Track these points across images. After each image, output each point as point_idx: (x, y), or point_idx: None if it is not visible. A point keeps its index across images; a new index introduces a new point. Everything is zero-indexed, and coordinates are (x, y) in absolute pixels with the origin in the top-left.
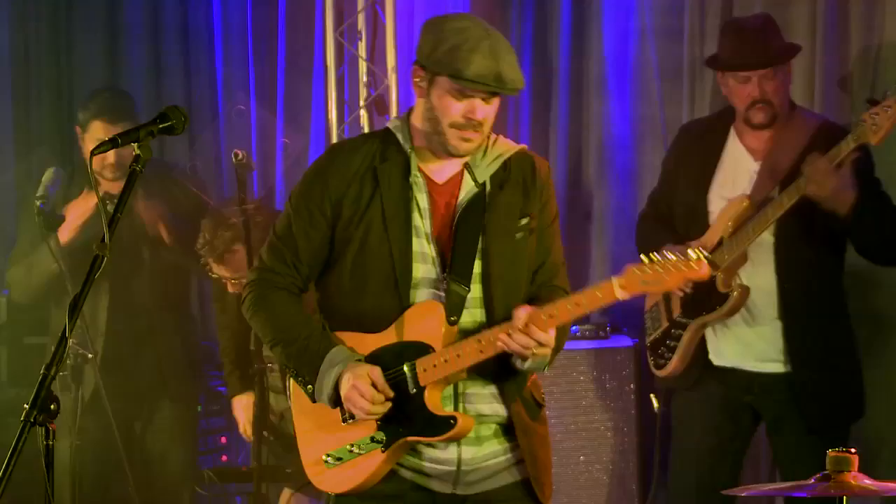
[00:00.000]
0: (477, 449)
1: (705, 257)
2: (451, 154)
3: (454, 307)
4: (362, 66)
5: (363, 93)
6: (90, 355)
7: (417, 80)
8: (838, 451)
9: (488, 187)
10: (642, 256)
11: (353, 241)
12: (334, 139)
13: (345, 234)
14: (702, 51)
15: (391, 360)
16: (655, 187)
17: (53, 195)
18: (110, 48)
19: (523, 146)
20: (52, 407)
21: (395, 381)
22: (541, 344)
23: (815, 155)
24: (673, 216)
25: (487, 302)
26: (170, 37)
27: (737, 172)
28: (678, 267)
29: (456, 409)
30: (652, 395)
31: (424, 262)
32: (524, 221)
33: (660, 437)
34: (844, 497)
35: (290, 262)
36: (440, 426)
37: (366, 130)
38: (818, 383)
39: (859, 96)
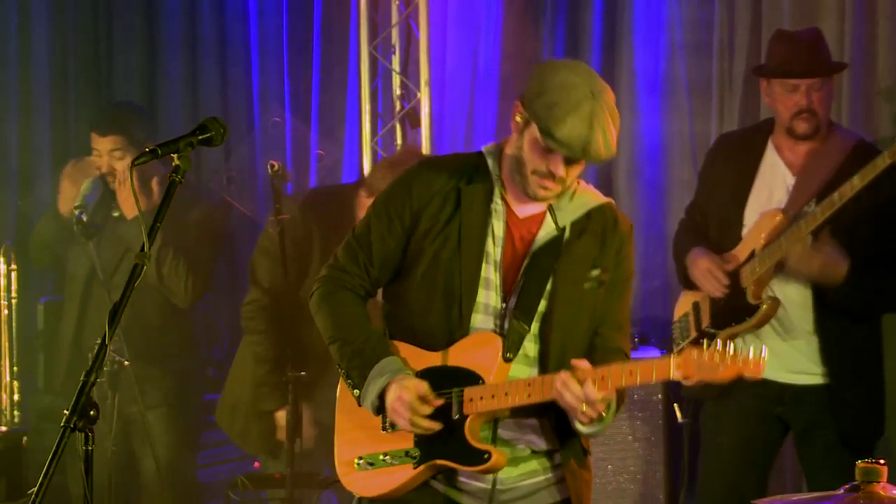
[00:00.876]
0: (513, 469)
1: (763, 358)
2: (531, 198)
3: (512, 344)
4: (396, 80)
5: (396, 105)
6: (126, 363)
7: (517, 116)
8: (868, 462)
9: (567, 233)
10: (704, 342)
11: (425, 254)
12: (367, 151)
13: (419, 246)
14: (731, 66)
15: (441, 382)
16: (693, 198)
17: (91, 204)
18: (149, 61)
19: (610, 200)
20: (91, 413)
21: (443, 404)
22: (589, 402)
23: (791, 239)
24: (707, 226)
25: (543, 342)
26: (207, 50)
27: (773, 185)
28: (736, 362)
29: (493, 434)
30: (675, 406)
31: (488, 289)
32: (595, 273)
33: (688, 446)
34: None
35: (361, 263)
36: (474, 457)
37: (398, 142)
38: (852, 396)
39: (885, 112)
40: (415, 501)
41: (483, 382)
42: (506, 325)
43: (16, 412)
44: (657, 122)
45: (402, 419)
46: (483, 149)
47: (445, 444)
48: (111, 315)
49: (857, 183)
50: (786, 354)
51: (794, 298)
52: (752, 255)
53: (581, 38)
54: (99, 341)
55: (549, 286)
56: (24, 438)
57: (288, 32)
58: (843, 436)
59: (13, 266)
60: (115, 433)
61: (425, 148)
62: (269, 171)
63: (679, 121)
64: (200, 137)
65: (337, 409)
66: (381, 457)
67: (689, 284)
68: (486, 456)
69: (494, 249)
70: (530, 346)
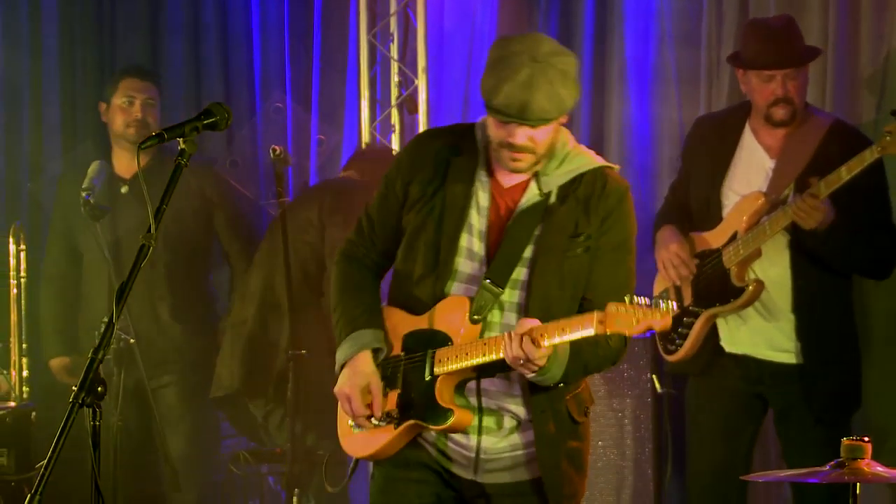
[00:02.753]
0: (498, 439)
1: (671, 311)
2: (508, 170)
3: (482, 307)
4: (394, 67)
5: (394, 92)
6: (132, 340)
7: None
8: (853, 440)
9: (552, 198)
10: (626, 298)
11: (413, 224)
12: (366, 136)
13: (408, 216)
14: (719, 55)
15: (419, 344)
16: (675, 177)
17: (98, 187)
18: (152, 47)
19: (605, 164)
20: (99, 389)
21: (416, 365)
22: (526, 359)
23: (806, 195)
24: (689, 205)
25: (525, 310)
26: (209, 36)
27: (751, 168)
28: (646, 315)
29: (479, 401)
30: (653, 377)
31: (471, 259)
32: (580, 240)
33: (670, 419)
34: (858, 484)
35: (367, 234)
36: (439, 416)
37: (396, 129)
38: (826, 376)
39: (869, 99)
40: (412, 459)
41: (452, 344)
42: (479, 289)
43: (25, 388)
44: (647, 109)
45: (344, 410)
46: (478, 121)
47: (418, 404)
48: (118, 294)
49: (843, 174)
50: (767, 333)
51: (774, 279)
52: (734, 237)
53: (573, 27)
54: (106, 319)
55: (528, 253)
56: (33, 414)
57: (289, 20)
58: (817, 414)
59: (23, 246)
60: (120, 409)
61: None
62: (272, 155)
63: (668, 108)
64: (205, 122)
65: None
66: (370, 417)
67: None
68: (448, 414)
69: (479, 220)
70: (512, 310)
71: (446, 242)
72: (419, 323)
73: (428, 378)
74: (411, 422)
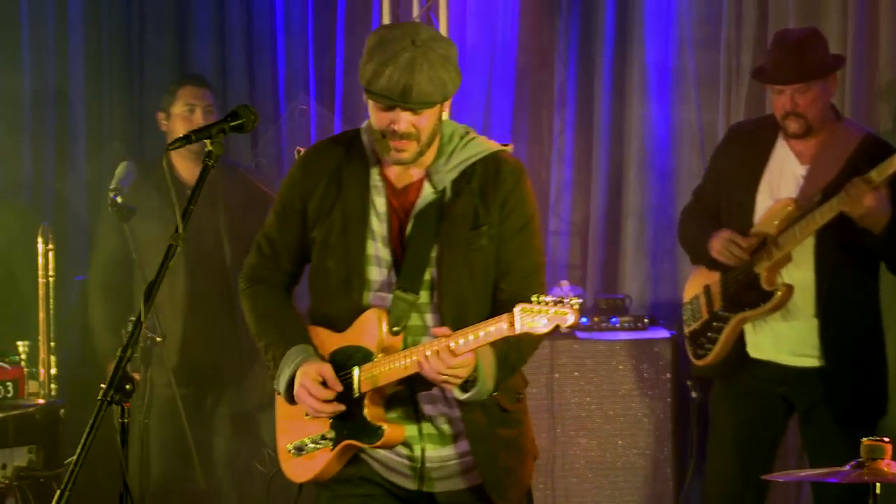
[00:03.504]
0: (441, 448)
1: (575, 307)
2: (392, 163)
3: (399, 317)
4: None
5: None
6: (159, 339)
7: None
8: (873, 440)
9: (447, 194)
10: (533, 297)
11: (317, 241)
12: None
13: (311, 234)
14: (738, 60)
15: (344, 362)
16: (700, 182)
17: (126, 187)
18: (179, 48)
19: (498, 148)
20: (127, 387)
21: (345, 383)
22: (451, 374)
23: (858, 178)
24: (718, 211)
25: (438, 310)
26: (235, 39)
27: (783, 175)
28: (555, 314)
29: (416, 410)
30: (689, 383)
31: (379, 266)
32: (482, 230)
33: (697, 423)
34: (878, 484)
35: (269, 256)
36: (371, 434)
37: None
38: (849, 379)
39: (886, 108)
40: (355, 475)
41: (374, 358)
42: (392, 299)
43: (53, 385)
44: (667, 112)
45: (308, 407)
46: (362, 125)
47: (352, 423)
48: (146, 293)
49: (874, 177)
50: (788, 337)
51: (799, 282)
52: (764, 242)
53: (594, 31)
54: (133, 318)
55: (434, 252)
56: (62, 411)
57: (313, 24)
58: (840, 418)
59: (51, 246)
60: (146, 406)
61: None
62: (296, 156)
63: (687, 112)
64: (232, 124)
65: (276, 402)
66: (307, 441)
67: (701, 262)
68: (379, 432)
69: (380, 226)
70: (426, 311)
71: (354, 253)
72: (342, 339)
73: (356, 395)
74: (346, 442)
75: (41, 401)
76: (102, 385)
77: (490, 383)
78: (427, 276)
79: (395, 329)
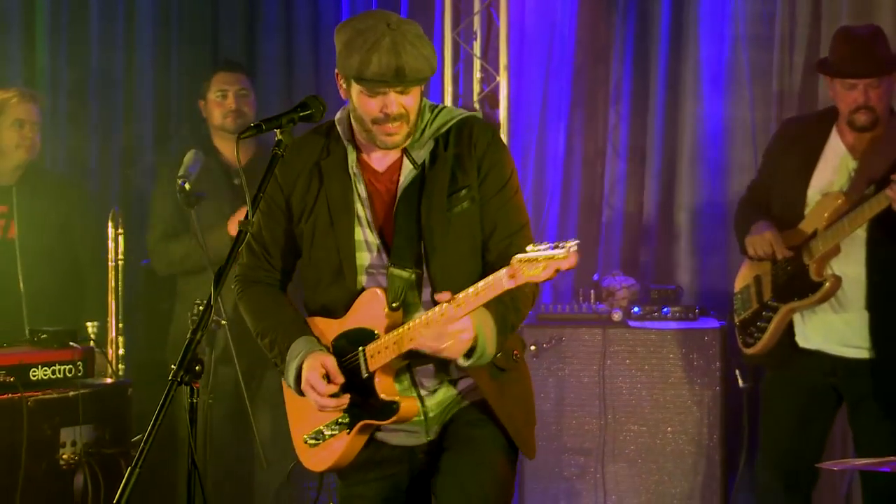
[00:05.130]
0: (435, 395)
1: (573, 250)
2: (383, 148)
3: (396, 293)
4: (476, 64)
5: (476, 88)
6: (223, 322)
7: (340, 84)
8: None
9: (427, 167)
10: (528, 247)
11: (304, 234)
12: None
13: (299, 228)
14: (791, 57)
15: (348, 346)
16: (755, 176)
17: (194, 174)
18: (248, 41)
19: (467, 115)
20: (196, 368)
21: (351, 366)
22: (452, 340)
23: (854, 221)
24: (770, 204)
25: (431, 281)
26: (302, 33)
27: (836, 169)
28: (550, 258)
29: (413, 384)
30: (737, 371)
31: (370, 251)
32: (461, 194)
33: (747, 411)
34: None
35: (260, 254)
36: (386, 411)
37: None
38: None
39: None
40: (369, 457)
41: (378, 337)
42: (387, 277)
43: (121, 365)
44: (720, 108)
45: (313, 401)
46: (336, 116)
47: (365, 403)
48: (216, 278)
49: None
50: (838, 328)
51: (850, 275)
52: (814, 234)
53: (650, 29)
54: (198, 301)
55: (421, 224)
56: (129, 390)
57: None
58: (888, 409)
59: (120, 230)
60: (212, 387)
61: (503, 127)
62: None
63: (741, 108)
64: (302, 114)
65: (285, 397)
66: (323, 430)
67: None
68: (394, 406)
69: (365, 211)
70: (418, 290)
71: (343, 241)
72: (342, 325)
73: (365, 375)
74: (362, 422)
75: (109, 380)
76: (173, 366)
77: (491, 347)
78: (418, 251)
79: (394, 305)
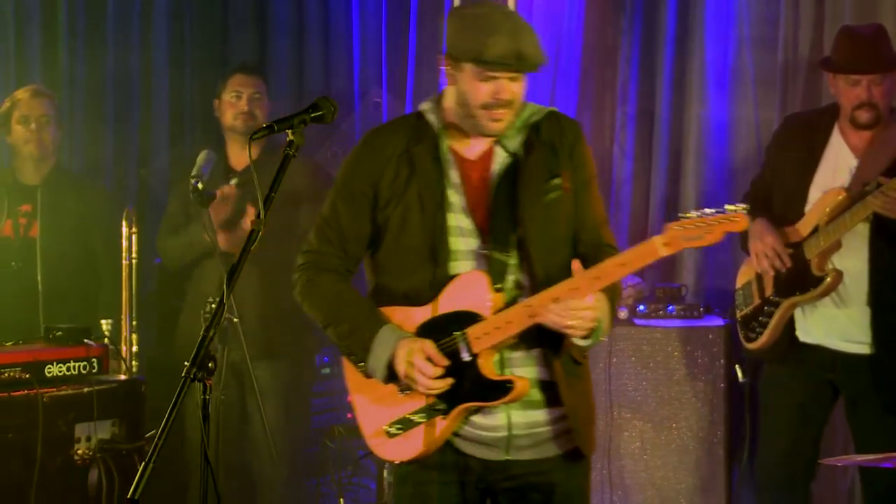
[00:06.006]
0: (526, 414)
1: (743, 209)
2: (484, 135)
3: (497, 275)
4: None
5: None
6: (235, 319)
7: (447, 68)
8: None
9: (520, 155)
10: (680, 216)
11: (392, 221)
12: None
13: (384, 214)
14: (794, 59)
15: (441, 331)
16: (757, 173)
17: (207, 174)
18: (259, 42)
19: (552, 108)
20: (209, 365)
21: (448, 350)
22: (574, 313)
23: (855, 216)
24: (772, 200)
25: (527, 266)
26: (313, 35)
27: (837, 166)
28: (719, 220)
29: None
30: (737, 366)
31: (462, 236)
32: (555, 181)
33: (748, 405)
34: None
35: (336, 242)
36: (498, 391)
37: None
38: None
39: None
40: (440, 460)
41: (482, 319)
42: (489, 262)
43: (134, 362)
44: (725, 109)
45: (416, 384)
46: (421, 106)
47: (466, 387)
48: (229, 276)
49: None
50: (840, 323)
51: (852, 270)
52: (815, 230)
53: (656, 31)
54: (210, 299)
55: (517, 211)
56: (143, 387)
57: (386, 21)
58: (888, 405)
59: (134, 229)
60: (223, 383)
61: None
62: None
63: (745, 109)
64: (313, 115)
65: (350, 389)
66: (411, 417)
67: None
68: (508, 385)
69: (457, 197)
70: (516, 274)
71: (435, 226)
72: (430, 311)
73: (468, 359)
74: (464, 405)
75: (123, 376)
76: (186, 363)
77: (606, 327)
78: (514, 237)
79: (497, 286)
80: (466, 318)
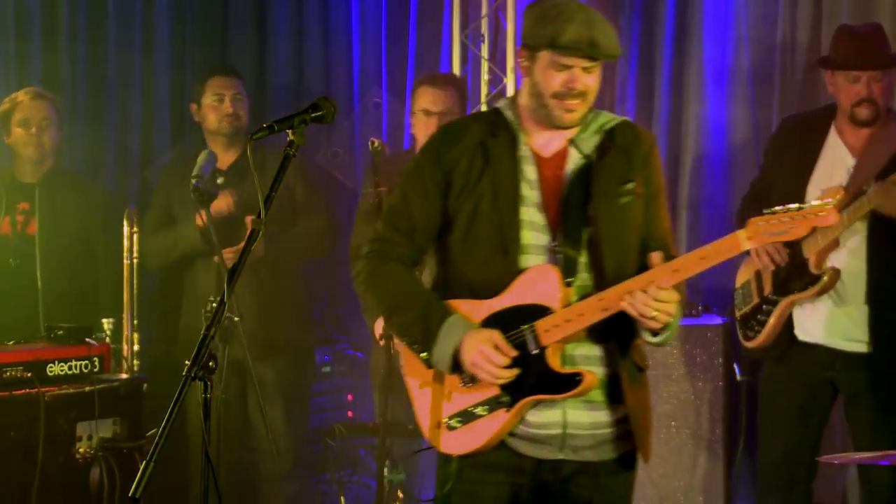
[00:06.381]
0: (585, 414)
1: (832, 205)
2: (555, 125)
3: (568, 270)
4: (484, 66)
5: (484, 90)
6: (236, 318)
7: (522, 60)
8: None
9: (593, 157)
10: (764, 211)
11: (463, 211)
12: None
13: (456, 204)
14: (792, 59)
15: (508, 324)
16: (756, 175)
17: (207, 174)
18: (259, 43)
19: (625, 118)
20: (210, 364)
21: (515, 343)
22: (659, 303)
23: (852, 215)
24: (769, 199)
25: (596, 265)
26: (312, 36)
27: (835, 166)
28: (805, 215)
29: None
30: (735, 365)
31: (534, 230)
32: (629, 186)
33: (745, 403)
34: None
35: (405, 231)
36: (566, 383)
37: None
38: (895, 365)
39: None
40: (492, 460)
41: (551, 312)
42: (560, 257)
43: (136, 361)
44: (723, 109)
45: (484, 372)
46: (497, 104)
47: (532, 379)
48: (229, 275)
49: None
50: (839, 322)
51: (850, 269)
52: (814, 229)
53: (655, 30)
54: (211, 298)
55: (589, 212)
56: (144, 385)
57: (386, 21)
58: (885, 403)
59: (135, 229)
60: (225, 382)
61: None
62: (370, 147)
63: (743, 108)
64: (313, 115)
65: (408, 380)
66: (472, 409)
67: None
68: (577, 378)
69: (532, 192)
70: (584, 271)
71: (508, 219)
72: (496, 304)
73: (535, 351)
74: (530, 398)
75: (125, 375)
76: (187, 362)
77: (678, 322)
78: (585, 236)
79: (567, 280)
80: (535, 312)
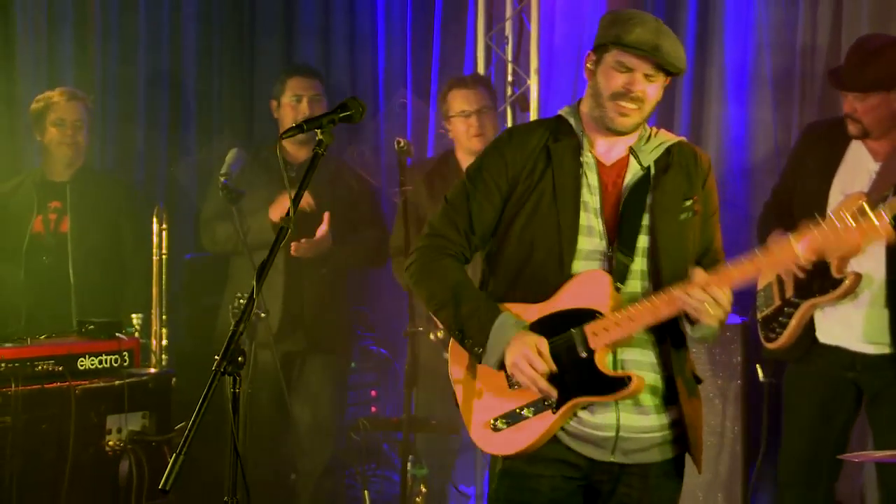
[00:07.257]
0: (637, 418)
1: (886, 220)
2: (609, 128)
3: (619, 275)
4: (508, 68)
5: (508, 91)
6: (263, 314)
7: (589, 64)
8: None
9: (653, 170)
10: (821, 218)
11: (522, 213)
12: None
13: (515, 207)
14: (812, 64)
15: (558, 327)
16: (778, 180)
17: (235, 172)
18: (286, 46)
19: (683, 138)
20: (239, 359)
21: (564, 345)
22: (716, 302)
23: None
24: (792, 205)
25: (654, 274)
26: (339, 38)
27: (857, 171)
28: (861, 227)
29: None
30: (758, 366)
31: (591, 236)
32: (688, 203)
33: (768, 404)
34: None
35: (462, 229)
36: (614, 386)
37: (509, 125)
38: None
39: None
40: (547, 454)
41: (601, 316)
42: (612, 263)
43: (164, 356)
44: (743, 113)
45: (523, 376)
46: (560, 112)
47: (580, 382)
48: (258, 272)
49: None
50: (859, 324)
51: (871, 273)
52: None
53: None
54: (239, 294)
55: (646, 221)
56: (173, 380)
57: (411, 24)
58: None
59: (164, 226)
60: (251, 378)
61: None
62: (396, 147)
63: (763, 112)
64: (342, 115)
65: (455, 380)
66: (519, 411)
67: None
68: (626, 380)
69: (592, 198)
70: (641, 279)
71: (567, 223)
72: (547, 308)
73: (584, 355)
74: (577, 400)
75: (154, 369)
76: (216, 357)
77: (718, 330)
78: (641, 244)
79: (617, 285)
80: (585, 315)
